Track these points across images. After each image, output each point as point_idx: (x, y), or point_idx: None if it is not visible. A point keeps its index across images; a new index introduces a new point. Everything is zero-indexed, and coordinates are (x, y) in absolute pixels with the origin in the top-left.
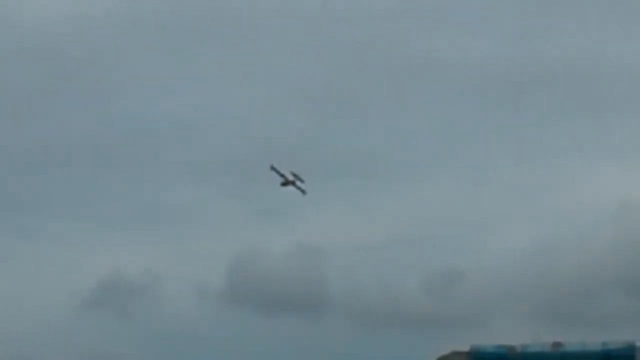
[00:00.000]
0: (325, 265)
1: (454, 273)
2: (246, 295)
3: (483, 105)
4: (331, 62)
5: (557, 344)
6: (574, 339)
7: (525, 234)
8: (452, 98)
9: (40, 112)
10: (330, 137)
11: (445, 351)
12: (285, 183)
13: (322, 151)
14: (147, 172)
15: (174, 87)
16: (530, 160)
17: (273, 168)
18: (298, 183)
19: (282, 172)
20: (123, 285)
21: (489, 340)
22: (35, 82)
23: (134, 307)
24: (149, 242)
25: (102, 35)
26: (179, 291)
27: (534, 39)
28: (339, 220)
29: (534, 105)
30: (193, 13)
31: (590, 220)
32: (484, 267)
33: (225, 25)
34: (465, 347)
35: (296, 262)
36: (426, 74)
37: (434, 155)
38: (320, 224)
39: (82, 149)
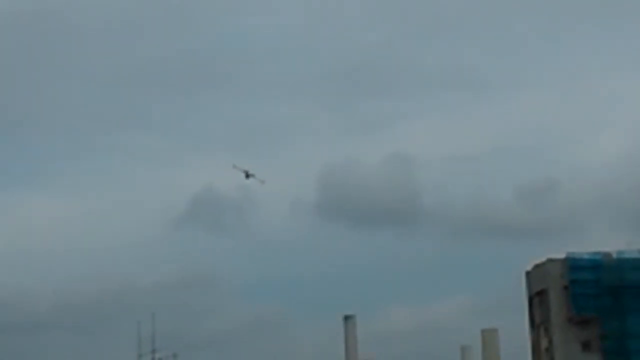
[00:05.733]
0: (418, 176)
1: (548, 182)
2: (339, 207)
3: (571, 18)
4: None
5: None
6: None
7: (618, 142)
8: (540, 12)
9: (132, 32)
10: (422, 52)
11: (540, 259)
12: (247, 176)
13: (415, 65)
14: (241, 88)
15: (269, 3)
16: (621, 68)
17: (235, 166)
18: (256, 177)
19: (242, 169)
20: (217, 201)
21: (584, 248)
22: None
23: (228, 221)
24: (243, 156)
25: None
26: (273, 205)
27: None
28: (432, 132)
29: (622, 16)
30: None
31: None
32: (577, 176)
33: None
34: (560, 255)
35: (389, 173)
36: None
37: (525, 67)
38: (413, 136)
39: (175, 67)
